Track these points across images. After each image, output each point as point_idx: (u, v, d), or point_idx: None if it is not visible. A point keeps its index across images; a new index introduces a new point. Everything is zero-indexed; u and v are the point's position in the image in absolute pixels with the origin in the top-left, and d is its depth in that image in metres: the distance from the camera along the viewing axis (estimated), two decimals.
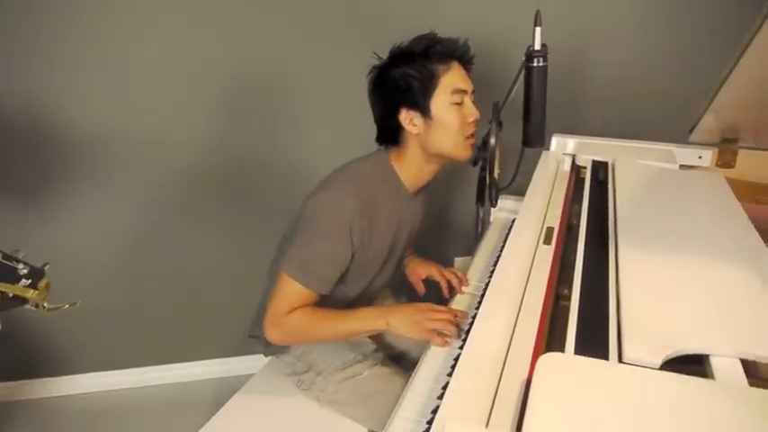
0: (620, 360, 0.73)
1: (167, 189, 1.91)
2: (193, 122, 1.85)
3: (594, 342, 0.77)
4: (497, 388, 0.75)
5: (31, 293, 0.83)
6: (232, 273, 2.08)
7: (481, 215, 1.69)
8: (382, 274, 1.37)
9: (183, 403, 2.10)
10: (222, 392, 2.12)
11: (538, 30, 1.09)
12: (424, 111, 1.18)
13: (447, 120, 1.18)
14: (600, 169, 1.41)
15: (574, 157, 1.56)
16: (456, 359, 1.09)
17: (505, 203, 1.77)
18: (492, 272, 1.40)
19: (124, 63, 1.72)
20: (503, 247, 1.50)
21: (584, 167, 1.47)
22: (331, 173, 1.26)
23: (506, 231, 1.63)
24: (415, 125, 1.20)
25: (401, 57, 1.20)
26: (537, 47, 1.10)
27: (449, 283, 1.37)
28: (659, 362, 0.71)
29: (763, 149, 1.44)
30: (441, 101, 1.17)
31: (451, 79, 1.17)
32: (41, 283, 0.84)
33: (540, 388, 0.66)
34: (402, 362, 1.45)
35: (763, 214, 1.19)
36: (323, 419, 1.35)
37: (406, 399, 0.98)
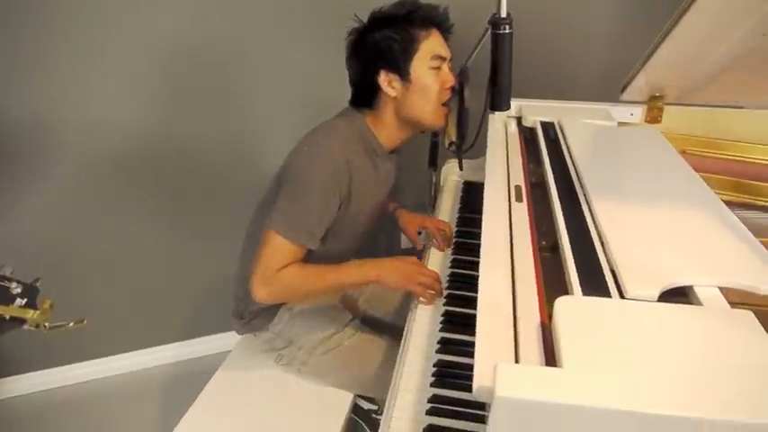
0: (622, 297, 0.82)
1: (106, 176, 1.84)
2: (136, 106, 1.78)
3: (594, 284, 0.85)
4: (515, 334, 0.82)
5: (31, 314, 0.77)
6: (175, 259, 2.04)
7: (433, 179, 1.75)
8: (364, 233, 1.40)
9: (140, 392, 2.05)
10: (178, 378, 2.10)
11: None
12: (404, 74, 1.21)
13: (425, 83, 1.22)
14: (549, 129, 1.50)
15: (519, 119, 1.65)
16: (443, 322, 1.16)
17: (450, 167, 1.85)
18: (457, 232, 1.49)
19: (57, 46, 1.61)
20: (461, 208, 1.60)
21: (532, 128, 1.56)
22: (310, 131, 1.27)
23: (459, 194, 1.71)
24: (393, 87, 1.23)
25: (382, 20, 1.22)
26: (503, 14, 1.15)
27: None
28: (656, 295, 0.80)
29: (686, 105, 1.60)
30: (420, 65, 1.21)
31: (431, 45, 1.21)
32: (45, 304, 0.79)
33: (564, 327, 0.73)
34: (377, 326, 1.50)
35: (692, 163, 1.33)
36: (306, 390, 1.38)
37: (404, 372, 1.03)
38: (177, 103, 1.82)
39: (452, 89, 1.26)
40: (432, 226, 1.49)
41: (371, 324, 1.50)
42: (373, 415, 1.60)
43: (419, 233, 1.58)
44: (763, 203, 1.26)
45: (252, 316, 1.38)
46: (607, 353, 0.69)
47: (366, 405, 1.54)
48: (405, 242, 2.24)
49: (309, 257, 1.26)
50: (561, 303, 0.78)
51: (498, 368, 0.65)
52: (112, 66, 1.70)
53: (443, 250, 1.42)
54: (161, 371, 2.14)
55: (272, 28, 1.80)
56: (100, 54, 1.68)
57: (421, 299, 1.19)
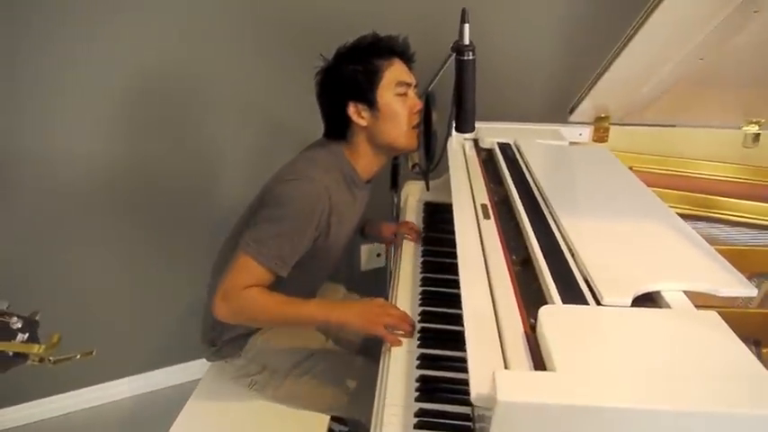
0: (599, 304, 0.87)
1: (66, 209, 1.80)
2: (97, 136, 1.76)
3: (571, 294, 0.90)
4: (502, 343, 0.85)
5: (36, 349, 0.75)
6: (139, 288, 2.00)
7: (395, 201, 1.79)
8: (337, 260, 1.42)
9: (108, 426, 1.98)
10: (145, 409, 2.05)
11: (466, 26, 1.20)
12: (371, 103, 1.25)
13: (393, 109, 1.26)
14: (507, 149, 1.57)
15: (475, 141, 1.72)
16: (420, 338, 1.18)
17: (409, 188, 1.90)
18: (423, 252, 1.52)
19: (17, 77, 1.58)
20: (424, 228, 1.64)
21: (490, 149, 1.63)
22: (292, 160, 1.29)
23: (421, 215, 1.76)
24: (363, 117, 1.26)
25: (346, 55, 1.27)
26: (466, 42, 1.21)
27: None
28: (629, 301, 0.86)
29: (629, 125, 1.72)
30: (386, 93, 1.25)
31: (395, 73, 1.26)
32: (54, 338, 0.76)
33: (551, 333, 0.77)
34: (350, 346, 1.51)
35: (640, 179, 1.42)
36: (281, 416, 1.37)
37: (388, 391, 1.04)
38: (139, 133, 1.81)
39: (420, 113, 1.31)
40: (404, 229, 1.58)
41: (344, 345, 1.50)
42: None
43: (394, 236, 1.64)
44: (708, 214, 1.37)
45: (224, 343, 1.37)
46: (594, 356, 0.73)
47: (337, 428, 1.54)
48: (364, 262, 2.27)
49: (280, 283, 1.26)
50: (546, 312, 0.82)
51: (497, 374, 0.68)
52: (73, 97, 1.68)
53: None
54: (128, 403, 2.10)
55: (231, 56, 1.82)
56: (59, 85, 1.65)
57: (388, 338, 1.18)
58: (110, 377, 2.10)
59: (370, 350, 1.27)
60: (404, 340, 1.16)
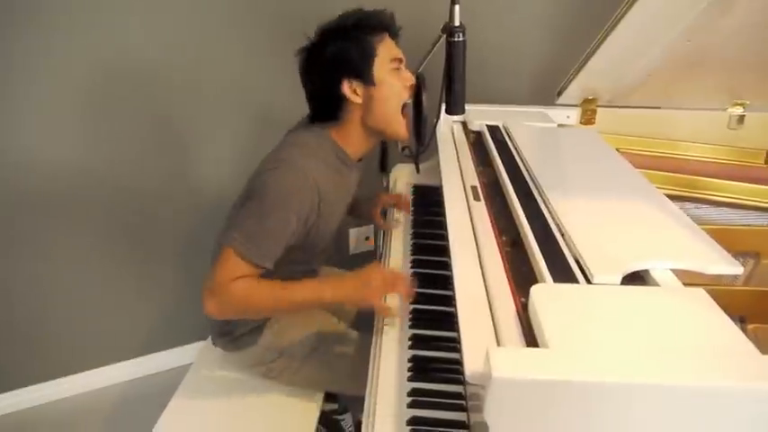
0: (589, 282, 0.88)
1: (47, 196, 1.79)
2: (65, 142, 1.76)
3: (562, 272, 0.92)
4: (494, 322, 0.86)
5: None
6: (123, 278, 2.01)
7: (384, 184, 1.79)
8: (330, 244, 1.41)
9: (95, 412, 1.99)
10: (135, 395, 2.06)
11: (456, 7, 1.20)
12: (367, 78, 1.23)
13: (389, 83, 1.24)
14: (496, 132, 1.57)
15: (464, 123, 1.72)
16: (412, 320, 1.19)
17: (399, 171, 1.90)
18: (413, 234, 1.53)
19: None
20: (414, 211, 1.64)
21: (478, 131, 1.63)
22: (278, 147, 1.26)
23: (410, 197, 1.76)
24: (358, 94, 1.24)
25: (333, 32, 1.24)
26: (456, 23, 1.21)
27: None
28: (619, 279, 0.88)
29: (616, 107, 1.73)
30: (381, 68, 1.23)
31: (387, 48, 1.24)
32: None
33: (543, 311, 0.78)
34: (368, 325, 1.49)
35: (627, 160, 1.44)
36: (272, 397, 1.38)
37: (381, 372, 1.05)
38: (110, 137, 1.81)
39: (412, 88, 1.30)
40: (391, 200, 1.61)
41: (364, 324, 1.48)
42: (333, 416, 1.62)
43: (383, 214, 1.63)
44: (694, 195, 1.38)
45: (241, 333, 1.36)
46: (585, 332, 0.74)
47: (329, 407, 1.55)
48: (353, 246, 2.27)
49: (279, 269, 1.22)
50: (537, 290, 0.83)
51: (491, 351, 0.69)
52: (40, 102, 1.67)
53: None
54: (117, 390, 2.11)
55: (213, 48, 1.81)
56: (24, 91, 1.63)
57: (381, 309, 1.18)
58: (97, 364, 2.10)
59: (367, 323, 1.26)
60: (395, 322, 1.17)
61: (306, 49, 1.27)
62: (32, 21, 1.58)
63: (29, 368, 1.99)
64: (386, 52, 1.24)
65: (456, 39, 1.21)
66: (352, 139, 1.31)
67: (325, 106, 1.29)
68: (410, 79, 1.29)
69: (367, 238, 2.27)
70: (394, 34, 1.30)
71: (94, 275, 1.96)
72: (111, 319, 2.05)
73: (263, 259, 1.17)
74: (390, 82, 1.25)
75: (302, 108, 1.35)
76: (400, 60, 1.28)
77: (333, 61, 1.23)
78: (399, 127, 1.29)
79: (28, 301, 1.89)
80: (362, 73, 1.23)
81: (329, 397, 1.48)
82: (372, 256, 2.22)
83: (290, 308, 1.28)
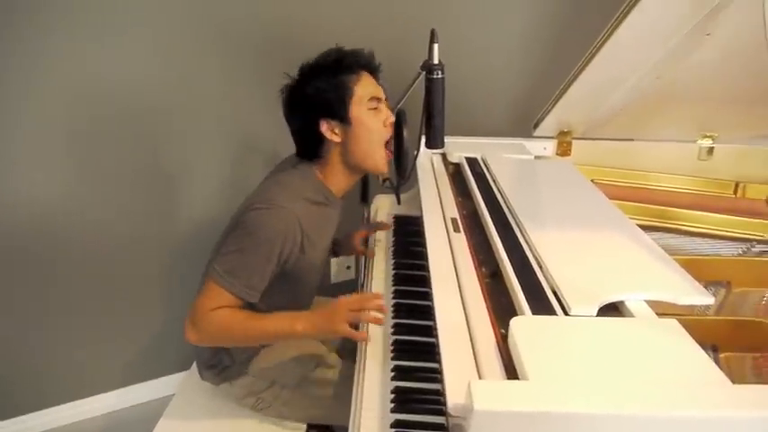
0: (566, 314, 0.91)
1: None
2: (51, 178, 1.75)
3: (540, 305, 0.94)
4: (474, 353, 0.88)
5: None
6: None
7: (365, 214, 1.81)
8: (316, 280, 1.42)
9: None
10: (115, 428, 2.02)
11: (435, 46, 1.24)
12: (344, 118, 1.26)
13: (366, 123, 1.26)
14: (474, 164, 1.61)
15: (443, 155, 1.76)
16: (394, 350, 1.20)
17: (380, 202, 1.92)
18: (394, 264, 1.54)
19: None
20: (395, 241, 1.66)
21: (458, 163, 1.67)
22: (265, 186, 1.28)
23: (392, 228, 1.78)
24: (336, 134, 1.27)
25: (311, 72, 1.27)
26: (435, 61, 1.25)
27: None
28: (595, 311, 0.90)
29: (591, 139, 1.78)
30: (358, 108, 1.26)
31: (365, 87, 1.27)
32: None
33: (522, 343, 0.80)
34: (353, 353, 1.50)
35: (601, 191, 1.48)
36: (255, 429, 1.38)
37: (364, 404, 1.05)
38: (93, 173, 1.82)
39: (392, 126, 1.33)
40: (370, 231, 1.64)
41: (350, 353, 1.48)
42: None
43: (364, 243, 1.65)
44: (665, 225, 1.43)
45: (229, 363, 1.36)
46: (563, 364, 0.77)
47: None
48: (334, 274, 2.28)
49: (262, 307, 1.25)
50: (517, 323, 0.85)
51: (472, 384, 0.70)
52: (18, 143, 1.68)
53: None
54: (99, 422, 2.08)
55: (196, 77, 1.83)
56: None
57: (356, 336, 1.18)
58: (78, 396, 2.07)
59: (353, 353, 1.27)
60: (377, 353, 1.17)
61: (287, 88, 1.30)
62: (13, 54, 1.59)
63: (9, 401, 1.94)
64: (363, 91, 1.27)
65: (435, 76, 1.25)
66: (335, 177, 1.33)
67: (307, 144, 1.32)
68: (390, 118, 1.31)
69: (348, 267, 2.28)
70: (373, 71, 1.33)
71: (74, 305, 1.93)
72: (91, 351, 2.01)
73: (242, 291, 1.19)
74: (367, 123, 1.27)
75: (287, 141, 1.38)
76: (378, 99, 1.30)
77: (310, 101, 1.26)
78: (379, 162, 1.32)
79: (6, 332, 1.85)
80: (339, 113, 1.26)
81: (315, 427, 1.47)
82: (354, 284, 2.22)
83: (263, 338, 1.30)
